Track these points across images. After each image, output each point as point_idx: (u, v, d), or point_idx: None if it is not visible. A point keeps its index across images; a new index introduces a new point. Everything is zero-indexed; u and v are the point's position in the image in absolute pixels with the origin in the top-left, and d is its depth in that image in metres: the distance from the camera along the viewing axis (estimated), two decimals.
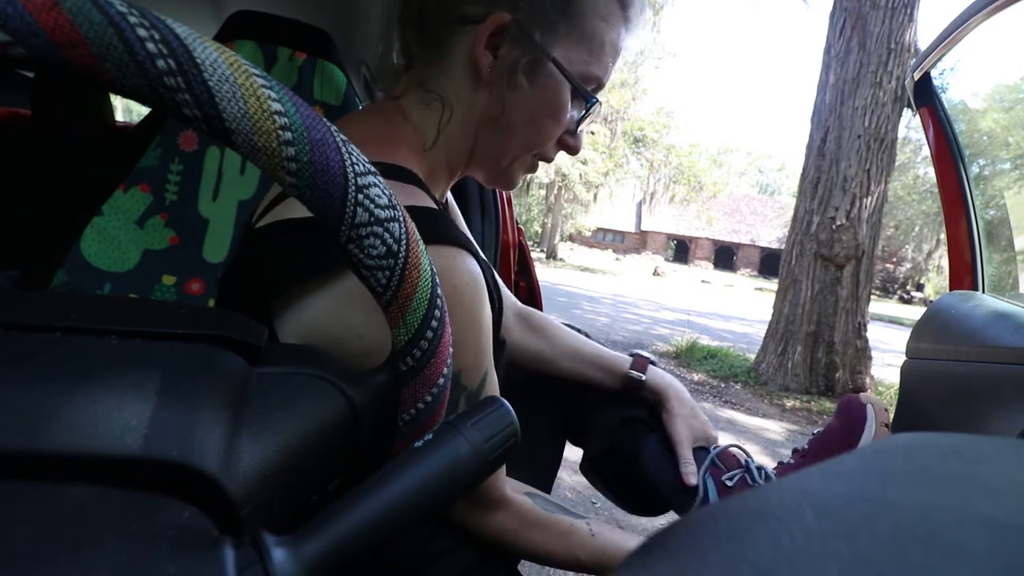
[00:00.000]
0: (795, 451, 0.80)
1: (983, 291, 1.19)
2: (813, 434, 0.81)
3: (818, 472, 0.16)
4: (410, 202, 0.46)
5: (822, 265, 3.88)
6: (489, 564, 0.57)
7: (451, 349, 0.38)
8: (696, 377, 4.20)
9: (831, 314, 3.86)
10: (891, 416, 0.79)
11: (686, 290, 14.59)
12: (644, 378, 0.80)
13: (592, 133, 16.64)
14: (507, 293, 0.85)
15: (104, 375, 0.23)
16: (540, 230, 22.03)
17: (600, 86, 0.58)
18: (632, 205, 33.21)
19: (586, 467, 0.86)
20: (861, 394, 0.79)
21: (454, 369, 0.42)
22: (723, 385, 4.06)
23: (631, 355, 0.83)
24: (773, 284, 21.12)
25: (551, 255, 19.46)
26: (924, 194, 20.99)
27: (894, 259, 25.51)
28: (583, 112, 0.58)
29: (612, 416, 0.80)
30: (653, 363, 0.83)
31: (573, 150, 0.61)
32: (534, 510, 0.57)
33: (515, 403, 0.40)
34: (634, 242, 33.13)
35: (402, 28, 0.58)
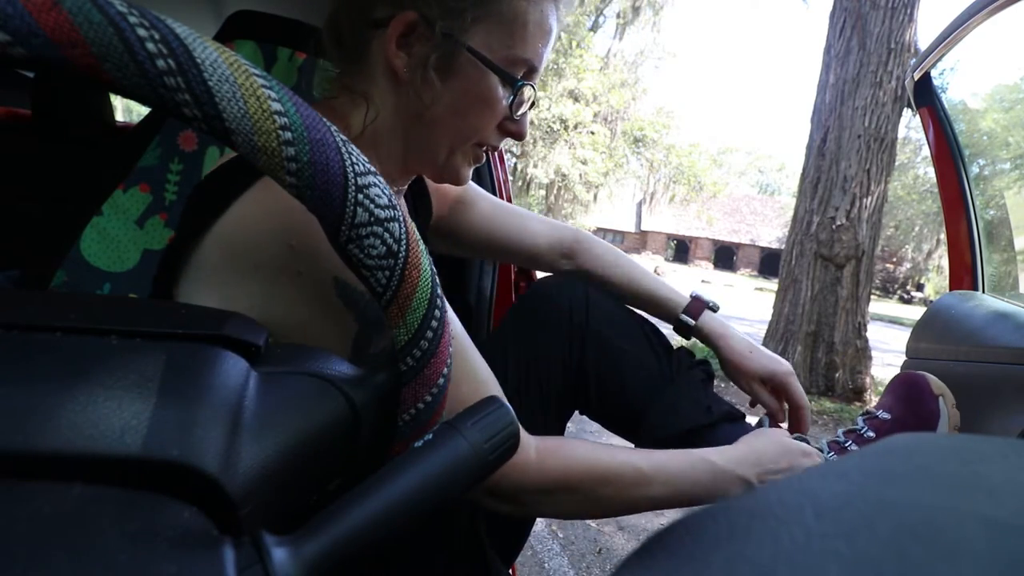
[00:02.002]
0: (851, 432, 0.71)
1: (983, 291, 1.19)
2: (869, 414, 0.70)
3: (818, 472, 0.16)
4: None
5: (822, 265, 3.88)
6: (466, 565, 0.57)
7: (451, 349, 0.37)
8: None
9: (831, 314, 3.86)
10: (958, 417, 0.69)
11: (686, 290, 14.52)
12: (693, 324, 0.79)
13: (592, 133, 16.64)
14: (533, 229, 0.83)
15: (104, 375, 0.23)
16: None
17: (533, 68, 0.56)
18: (632, 205, 33.18)
19: None
20: (931, 379, 0.69)
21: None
22: (724, 385, 4.06)
23: (691, 296, 0.81)
24: (773, 284, 21.10)
25: None
26: (924, 194, 20.98)
27: (894, 259, 25.50)
28: (511, 97, 0.56)
29: (667, 425, 0.71)
30: (712, 308, 0.81)
31: (517, 136, 0.60)
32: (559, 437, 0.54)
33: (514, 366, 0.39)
34: (634, 242, 33.11)
35: (324, 38, 0.58)
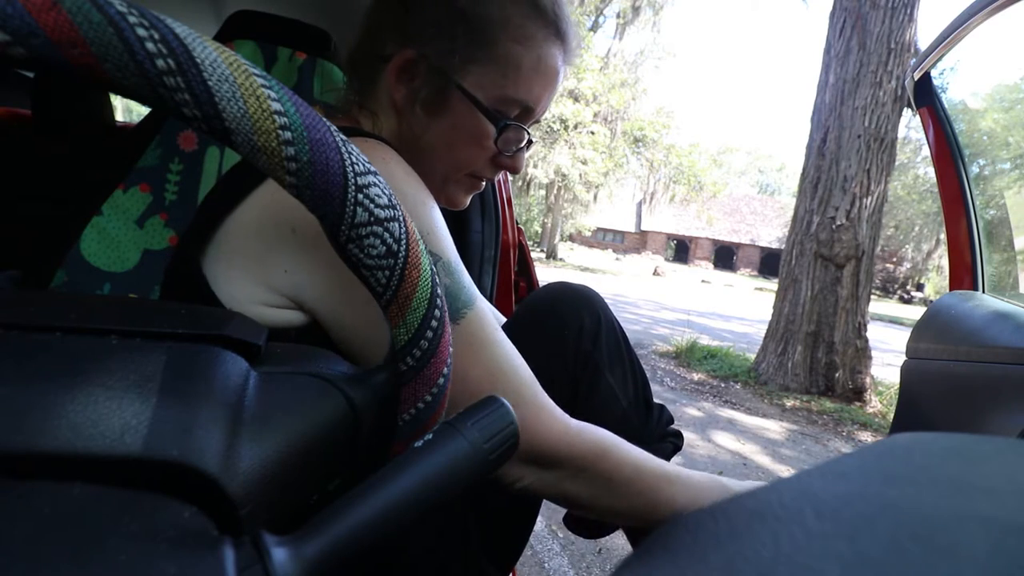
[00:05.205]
0: None
1: (983, 291, 1.19)
2: None
3: (818, 472, 0.16)
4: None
5: (822, 265, 3.88)
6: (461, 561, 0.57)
7: (451, 349, 0.37)
8: (696, 377, 4.20)
9: (831, 314, 3.86)
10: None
11: (686, 290, 14.57)
12: None
13: (592, 133, 16.63)
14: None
15: (104, 375, 0.23)
16: (540, 230, 22.01)
17: (528, 109, 0.59)
18: (632, 205, 33.19)
19: (572, 525, 0.76)
20: None
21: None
22: (723, 385, 4.06)
23: None
24: (773, 284, 21.11)
25: (551, 255, 19.45)
26: (924, 194, 20.99)
27: (894, 259, 25.50)
28: (496, 134, 0.58)
29: None
30: None
31: (511, 170, 0.63)
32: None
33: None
34: (634, 242, 33.11)
35: (343, 65, 0.64)
